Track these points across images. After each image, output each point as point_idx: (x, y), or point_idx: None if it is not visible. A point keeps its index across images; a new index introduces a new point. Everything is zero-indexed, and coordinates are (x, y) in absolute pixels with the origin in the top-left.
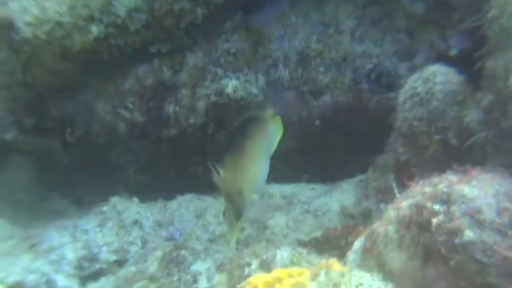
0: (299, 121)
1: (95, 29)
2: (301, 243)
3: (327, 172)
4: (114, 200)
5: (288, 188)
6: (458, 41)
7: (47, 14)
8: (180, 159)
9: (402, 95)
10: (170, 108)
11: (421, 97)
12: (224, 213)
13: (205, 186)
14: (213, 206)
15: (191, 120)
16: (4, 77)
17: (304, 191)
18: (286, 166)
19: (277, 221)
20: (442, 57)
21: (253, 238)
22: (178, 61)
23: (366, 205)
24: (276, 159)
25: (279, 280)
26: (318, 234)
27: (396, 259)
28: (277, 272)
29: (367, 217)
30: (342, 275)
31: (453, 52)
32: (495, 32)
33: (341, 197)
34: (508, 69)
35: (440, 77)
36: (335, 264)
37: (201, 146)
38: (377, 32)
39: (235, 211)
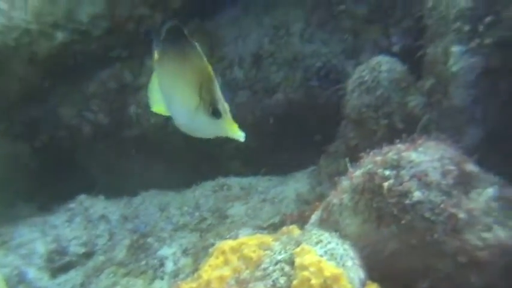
0: (253, 119)
1: (60, 35)
2: (260, 229)
3: (282, 166)
4: (81, 197)
5: (245, 180)
6: (400, 38)
7: (14, 22)
8: (142, 158)
9: (351, 84)
10: (132, 110)
11: (368, 85)
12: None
13: (167, 183)
14: (176, 199)
15: (152, 121)
16: None
17: (261, 182)
18: (244, 163)
19: (237, 210)
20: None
21: (214, 227)
22: (138, 65)
23: (319, 190)
24: (234, 155)
25: (244, 243)
26: (275, 220)
27: (351, 224)
28: (242, 239)
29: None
30: (303, 234)
31: (395, 48)
32: (434, 20)
33: (296, 185)
34: (447, 52)
35: (385, 65)
36: (295, 230)
37: (162, 145)
38: (324, 33)
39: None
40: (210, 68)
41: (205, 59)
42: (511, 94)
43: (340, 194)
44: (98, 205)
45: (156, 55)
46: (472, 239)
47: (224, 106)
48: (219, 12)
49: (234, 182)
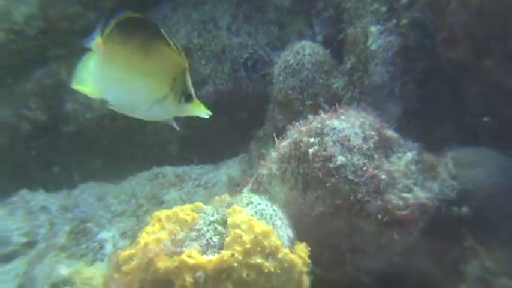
0: None
1: None
2: None
3: (215, 154)
4: (22, 191)
5: (179, 169)
6: (323, 28)
7: None
8: (80, 153)
9: (276, 69)
10: (69, 106)
11: (293, 68)
12: None
13: (105, 176)
14: (113, 190)
15: (88, 116)
16: None
17: (194, 170)
18: (178, 152)
19: (172, 195)
20: None
21: (151, 212)
22: (74, 63)
23: (250, 173)
24: (168, 145)
25: (179, 211)
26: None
27: (280, 192)
28: (176, 208)
29: None
30: (234, 197)
31: (319, 38)
32: (353, 2)
33: (228, 170)
34: (366, 32)
35: (308, 49)
36: (227, 197)
37: (98, 139)
38: (251, 25)
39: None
40: (182, 59)
41: (177, 50)
42: (427, 71)
43: (269, 164)
44: (38, 197)
45: (99, 40)
46: (393, 199)
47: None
48: (150, 10)
49: (169, 170)
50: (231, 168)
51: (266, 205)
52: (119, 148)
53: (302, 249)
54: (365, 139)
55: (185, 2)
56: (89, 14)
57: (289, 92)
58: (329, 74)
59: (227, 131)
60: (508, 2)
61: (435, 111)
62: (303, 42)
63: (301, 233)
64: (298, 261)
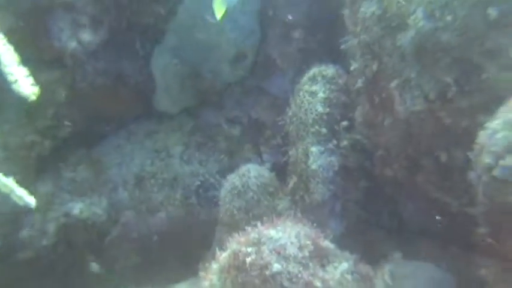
0: (139, 237)
1: None
2: None
3: (166, 279)
4: None
5: None
6: (271, 155)
7: None
8: (36, 279)
9: (223, 191)
10: (24, 233)
11: (239, 190)
12: None
13: None
14: None
15: (44, 242)
16: None
17: None
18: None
19: None
20: None
21: None
22: (30, 189)
23: None
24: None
25: None
26: None
27: None
28: None
29: None
30: None
31: (267, 165)
32: (295, 125)
33: None
34: (307, 153)
35: (253, 172)
36: None
37: (54, 266)
38: (202, 154)
39: None
40: None
41: None
42: (367, 191)
43: (210, 275)
44: None
45: None
46: None
47: None
48: (104, 141)
49: None
50: None
51: None
52: (75, 275)
53: None
54: (301, 248)
55: (138, 131)
56: (45, 143)
57: (235, 212)
58: (274, 195)
59: (179, 255)
60: (434, 117)
61: (375, 229)
62: (249, 165)
63: None
64: None
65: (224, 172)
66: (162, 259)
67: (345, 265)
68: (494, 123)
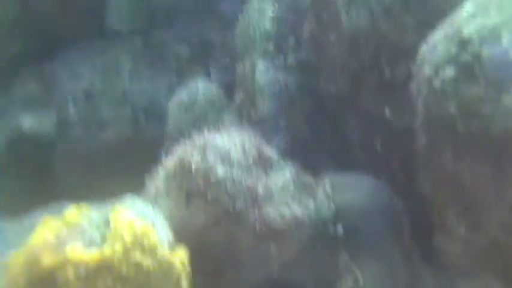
0: (87, 153)
1: None
2: None
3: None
4: None
5: None
6: (219, 75)
7: None
8: None
9: (171, 105)
10: None
11: (186, 104)
12: None
13: None
14: None
15: None
16: None
17: None
18: None
19: None
20: None
21: None
22: None
23: None
24: None
25: (66, 214)
26: None
27: (165, 205)
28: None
29: None
30: (118, 202)
31: (215, 84)
32: (243, 42)
33: None
34: (254, 67)
35: (201, 87)
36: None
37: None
38: (151, 72)
39: None
40: None
41: None
42: (311, 107)
43: (156, 182)
44: None
45: None
46: (270, 212)
47: None
48: (55, 57)
49: None
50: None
51: (148, 209)
52: None
53: (182, 254)
54: (245, 154)
55: (89, 47)
56: None
57: (182, 126)
58: (221, 110)
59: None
60: (378, 33)
61: (318, 144)
62: (197, 81)
63: (184, 244)
64: (178, 264)
65: (173, 90)
66: (110, 174)
67: (287, 174)
68: (436, 37)
